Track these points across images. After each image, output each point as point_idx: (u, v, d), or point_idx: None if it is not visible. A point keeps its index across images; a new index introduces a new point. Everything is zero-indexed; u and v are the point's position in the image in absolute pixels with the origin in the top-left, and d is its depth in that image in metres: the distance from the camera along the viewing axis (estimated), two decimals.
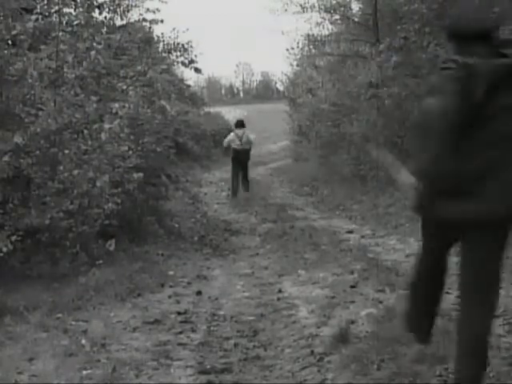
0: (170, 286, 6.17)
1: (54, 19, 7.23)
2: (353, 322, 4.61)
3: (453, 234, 2.99)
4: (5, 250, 5.75)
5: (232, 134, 13.41)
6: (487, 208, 2.79)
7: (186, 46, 11.60)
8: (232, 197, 13.10)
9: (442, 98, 2.73)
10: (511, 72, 2.72)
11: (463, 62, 2.72)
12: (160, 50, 11.83)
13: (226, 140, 13.36)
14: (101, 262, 6.48)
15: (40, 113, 6.66)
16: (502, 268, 2.95)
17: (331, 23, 17.71)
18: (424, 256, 3.34)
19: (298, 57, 20.68)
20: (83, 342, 4.45)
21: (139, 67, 8.58)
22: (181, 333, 4.78)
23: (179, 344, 4.53)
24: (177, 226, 9.03)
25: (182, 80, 21.87)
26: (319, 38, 17.58)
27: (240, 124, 13.28)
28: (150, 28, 10.90)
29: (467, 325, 3.01)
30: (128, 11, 10.91)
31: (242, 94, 65.29)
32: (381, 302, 5.08)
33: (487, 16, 2.98)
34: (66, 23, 7.35)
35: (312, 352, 4.18)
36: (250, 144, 13.25)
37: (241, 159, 13.00)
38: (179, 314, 5.23)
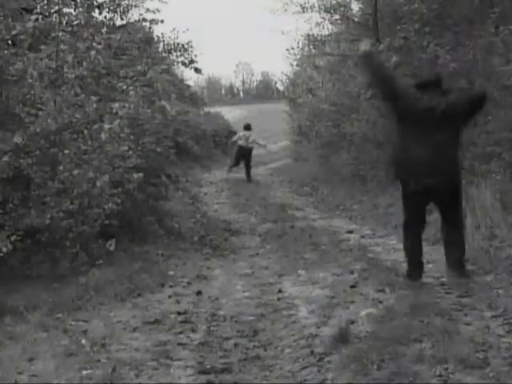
0: (170, 286, 6.17)
1: (54, 19, 7.23)
2: (353, 322, 4.61)
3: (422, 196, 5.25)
4: (5, 250, 5.75)
5: (241, 133, 16.87)
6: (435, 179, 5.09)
7: (185, 46, 11.60)
8: (228, 172, 16.94)
9: None
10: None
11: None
12: (160, 50, 11.82)
13: (235, 137, 17.02)
14: (101, 262, 6.48)
15: (40, 113, 6.66)
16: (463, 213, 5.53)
17: (331, 23, 17.72)
18: (407, 212, 5.50)
19: (298, 57, 20.69)
20: (83, 342, 4.46)
21: (139, 67, 8.58)
22: (181, 333, 4.78)
23: (179, 344, 4.54)
24: (177, 226, 9.02)
25: (182, 80, 21.88)
26: (319, 38, 17.58)
27: (247, 127, 16.87)
28: (150, 28, 10.90)
29: (452, 241, 5.48)
30: (128, 11, 10.90)
31: (242, 94, 65.34)
32: (381, 302, 5.08)
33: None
34: (66, 23, 7.34)
35: (312, 352, 4.18)
36: (254, 144, 16.51)
37: (244, 154, 16.37)
38: (179, 313, 5.23)
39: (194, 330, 4.85)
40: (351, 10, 17.49)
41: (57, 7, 7.14)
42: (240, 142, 16.36)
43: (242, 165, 17.02)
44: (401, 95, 5.17)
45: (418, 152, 5.08)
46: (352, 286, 5.70)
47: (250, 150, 16.48)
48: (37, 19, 6.94)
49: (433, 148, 5.05)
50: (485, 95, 5.62)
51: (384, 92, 5.42)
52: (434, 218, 8.73)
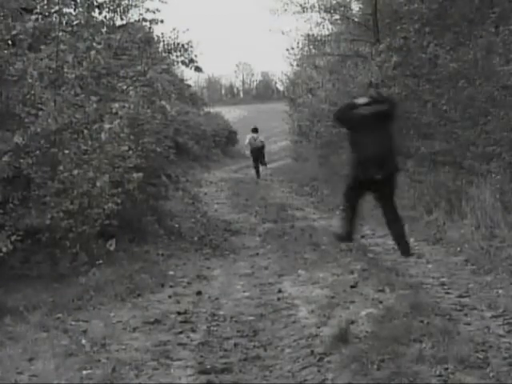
0: (170, 286, 6.17)
1: (54, 19, 7.22)
2: (353, 322, 4.61)
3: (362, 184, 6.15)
4: (5, 250, 5.75)
5: (249, 136, 18.32)
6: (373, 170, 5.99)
7: (185, 45, 11.59)
8: (257, 178, 17.98)
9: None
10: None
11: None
12: (160, 49, 11.82)
13: (247, 140, 18.38)
14: (101, 262, 6.48)
15: (40, 113, 6.66)
16: (395, 198, 6.29)
17: (331, 23, 17.73)
18: (347, 195, 6.37)
19: (298, 57, 20.69)
20: (83, 342, 4.46)
21: (139, 67, 8.57)
22: (181, 333, 4.78)
23: (179, 344, 4.54)
24: (177, 226, 9.03)
25: (182, 80, 21.87)
26: (319, 38, 17.59)
27: (255, 130, 18.47)
28: (150, 28, 10.88)
29: (393, 222, 6.28)
30: (128, 11, 10.89)
31: (241, 94, 65.35)
32: (381, 302, 5.08)
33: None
34: (66, 23, 7.34)
35: (312, 352, 4.18)
36: (263, 143, 18.43)
37: (256, 153, 18.07)
38: (179, 313, 5.23)
39: (193, 330, 4.85)
40: (351, 10, 17.51)
41: (57, 7, 7.13)
42: (250, 144, 18.21)
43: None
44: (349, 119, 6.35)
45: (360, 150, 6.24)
46: (352, 286, 5.70)
47: (260, 148, 18.10)
48: (37, 19, 6.94)
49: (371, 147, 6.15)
50: (395, 104, 6.93)
51: (343, 124, 6.75)
52: (433, 217, 8.77)
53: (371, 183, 6.13)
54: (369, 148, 6.08)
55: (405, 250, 6.33)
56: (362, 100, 6.37)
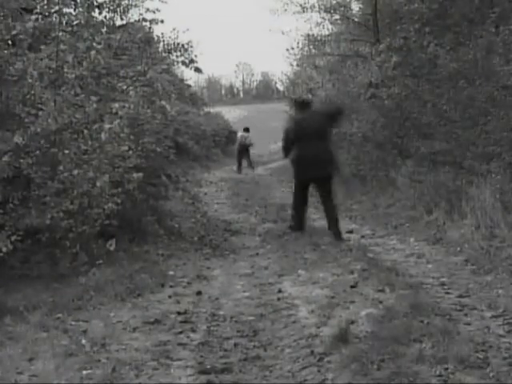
0: (170, 286, 6.17)
1: (54, 19, 7.22)
2: (353, 322, 4.61)
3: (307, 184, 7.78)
4: (5, 250, 5.75)
5: (240, 133, 21.22)
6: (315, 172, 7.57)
7: (186, 45, 11.59)
8: (238, 172, 20.03)
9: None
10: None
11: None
12: (160, 50, 11.82)
13: (238, 135, 21.30)
14: (101, 261, 6.48)
15: (40, 113, 6.66)
16: (335, 195, 7.97)
17: (331, 23, 17.76)
18: (296, 195, 8.12)
19: (298, 57, 20.72)
20: (83, 342, 4.46)
21: (139, 67, 8.57)
22: (181, 333, 4.78)
23: (179, 344, 4.54)
24: (177, 226, 9.02)
25: (182, 80, 21.86)
26: (319, 38, 17.62)
27: (246, 129, 21.10)
28: (150, 28, 10.88)
29: (329, 212, 7.74)
30: (128, 11, 10.89)
31: (241, 94, 65.35)
32: (381, 302, 5.08)
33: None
34: (66, 23, 7.34)
35: (312, 352, 4.18)
36: (250, 143, 20.74)
37: (241, 149, 20.57)
38: (179, 313, 5.23)
39: (193, 330, 4.85)
40: (351, 10, 17.54)
41: (57, 7, 7.13)
42: (239, 141, 20.90)
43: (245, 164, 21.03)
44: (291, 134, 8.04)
45: (304, 155, 7.83)
46: (352, 286, 5.70)
47: (247, 146, 20.77)
48: (37, 19, 6.93)
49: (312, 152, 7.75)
50: (341, 109, 8.69)
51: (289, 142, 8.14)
52: (433, 217, 8.77)
53: (313, 181, 7.99)
54: (310, 154, 7.71)
55: (336, 235, 7.91)
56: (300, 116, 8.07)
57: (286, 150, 8.21)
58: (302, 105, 8.37)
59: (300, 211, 8.20)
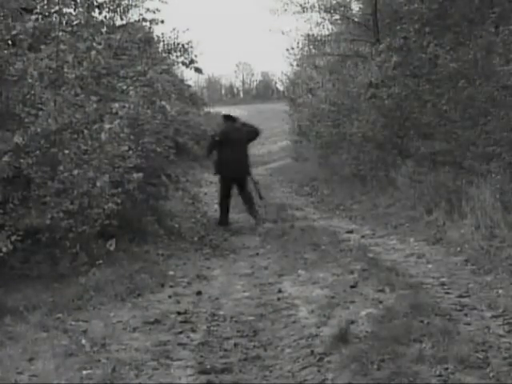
0: (170, 286, 6.17)
1: (54, 19, 7.21)
2: (353, 322, 4.61)
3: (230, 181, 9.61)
4: (5, 250, 5.75)
5: None
6: (237, 172, 9.56)
7: (186, 45, 11.60)
8: None
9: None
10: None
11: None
12: (160, 50, 11.82)
13: None
14: (101, 261, 6.48)
15: (40, 113, 6.66)
16: (248, 188, 9.88)
17: (331, 23, 17.74)
18: (222, 190, 9.78)
19: (298, 57, 20.69)
20: (83, 342, 4.46)
21: (139, 67, 8.57)
22: (181, 333, 4.78)
23: (179, 344, 4.54)
24: (177, 226, 9.02)
25: (182, 80, 21.87)
26: (319, 38, 17.59)
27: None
28: (150, 28, 10.88)
29: (246, 200, 9.78)
30: (128, 11, 10.89)
31: (241, 94, 65.31)
32: (381, 302, 5.08)
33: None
34: (66, 23, 7.33)
35: (312, 352, 4.19)
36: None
37: None
38: (179, 313, 5.23)
39: (193, 330, 4.85)
40: (351, 10, 17.50)
41: (57, 7, 7.12)
42: None
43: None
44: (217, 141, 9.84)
45: (229, 159, 9.53)
46: (352, 286, 5.70)
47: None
48: (37, 19, 6.93)
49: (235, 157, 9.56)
50: (257, 131, 10.22)
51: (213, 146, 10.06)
52: (433, 217, 8.77)
53: (233, 180, 9.72)
54: (231, 158, 9.51)
55: (255, 216, 9.87)
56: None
57: (209, 151, 10.38)
58: (229, 118, 10.16)
59: (224, 206, 9.80)
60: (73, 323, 4.93)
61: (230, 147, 9.51)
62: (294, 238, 8.45)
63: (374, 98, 12.19)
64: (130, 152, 7.47)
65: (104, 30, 8.62)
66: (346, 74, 14.91)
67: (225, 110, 32.22)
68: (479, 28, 11.11)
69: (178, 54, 11.39)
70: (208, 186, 15.58)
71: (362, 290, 5.56)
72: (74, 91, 6.96)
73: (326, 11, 16.83)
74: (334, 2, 16.66)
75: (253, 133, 10.13)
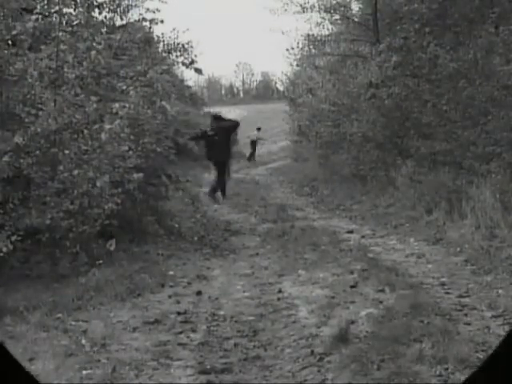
0: (170, 286, 6.17)
1: (54, 19, 7.21)
2: (353, 322, 4.61)
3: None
4: (5, 249, 5.74)
5: (252, 133, 25.90)
6: (219, 157, 12.67)
7: (186, 46, 11.60)
8: (248, 160, 25.11)
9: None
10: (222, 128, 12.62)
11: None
12: (160, 50, 11.81)
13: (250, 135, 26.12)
14: (101, 262, 6.48)
15: (40, 113, 6.66)
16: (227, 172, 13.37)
17: (331, 23, 17.73)
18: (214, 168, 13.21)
19: (298, 57, 20.68)
20: (83, 342, 4.46)
21: (139, 67, 8.56)
22: (181, 333, 4.78)
23: (179, 344, 4.54)
24: (177, 226, 9.02)
25: (182, 80, 21.87)
26: (319, 38, 17.59)
27: (258, 129, 26.45)
28: (150, 28, 10.88)
29: (220, 181, 12.79)
30: (128, 11, 10.89)
31: (241, 94, 65.27)
32: (381, 302, 5.08)
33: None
34: (66, 23, 7.33)
35: (312, 352, 4.18)
36: (257, 138, 26.16)
37: (252, 143, 25.87)
38: (179, 314, 5.23)
39: (193, 330, 4.85)
40: (351, 10, 17.50)
41: (57, 7, 7.13)
42: (251, 137, 25.58)
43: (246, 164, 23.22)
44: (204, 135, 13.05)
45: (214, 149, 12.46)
46: (352, 286, 5.70)
47: (255, 141, 25.54)
48: (37, 19, 6.93)
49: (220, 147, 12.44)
50: (237, 124, 13.72)
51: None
52: (433, 217, 8.77)
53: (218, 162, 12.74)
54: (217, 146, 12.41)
55: (223, 194, 12.71)
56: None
57: (196, 140, 15.00)
58: (216, 117, 13.39)
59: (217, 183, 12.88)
60: (73, 323, 4.93)
61: (216, 138, 12.41)
62: (294, 238, 8.46)
63: (373, 98, 12.20)
64: (130, 152, 7.47)
65: (104, 30, 8.62)
66: (345, 74, 14.92)
67: (224, 110, 31.85)
68: (479, 28, 11.11)
69: (178, 53, 11.38)
70: (208, 185, 15.58)
71: (362, 290, 5.56)
72: (74, 91, 6.97)
73: (326, 11, 16.82)
74: (334, 2, 16.65)
75: (233, 126, 13.53)
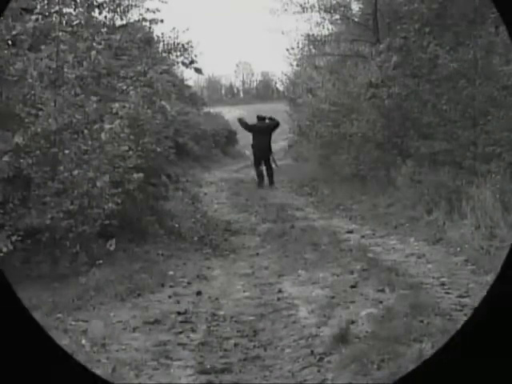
0: (170, 286, 6.17)
1: (54, 19, 7.22)
2: (353, 322, 4.61)
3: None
4: (5, 249, 5.75)
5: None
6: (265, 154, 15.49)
7: (185, 45, 11.62)
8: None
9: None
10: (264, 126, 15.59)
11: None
12: (160, 50, 11.83)
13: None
14: (101, 262, 6.48)
15: (40, 113, 6.66)
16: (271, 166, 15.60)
17: (331, 23, 17.72)
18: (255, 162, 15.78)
19: (298, 57, 20.68)
20: (83, 342, 4.46)
21: (139, 67, 8.57)
22: (181, 333, 4.78)
23: (179, 344, 4.54)
24: (177, 226, 9.02)
25: (182, 80, 21.87)
26: (319, 38, 17.58)
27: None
28: (149, 28, 10.89)
29: (268, 171, 15.54)
30: (128, 11, 10.91)
31: (241, 94, 65.19)
32: (381, 302, 5.08)
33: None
34: (66, 23, 7.33)
35: (312, 352, 4.18)
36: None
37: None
38: (179, 314, 5.23)
39: (193, 330, 4.85)
40: (351, 10, 17.49)
41: (57, 7, 7.13)
42: None
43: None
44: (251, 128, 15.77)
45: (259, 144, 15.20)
46: (352, 286, 5.70)
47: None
48: (37, 19, 6.93)
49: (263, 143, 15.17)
50: (278, 123, 16.03)
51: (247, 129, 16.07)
52: (433, 217, 8.77)
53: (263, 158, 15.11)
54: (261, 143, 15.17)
55: (271, 184, 15.07)
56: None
57: (246, 128, 16.14)
58: (260, 118, 15.87)
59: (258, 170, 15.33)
60: (73, 323, 4.93)
61: (259, 135, 15.41)
62: (294, 238, 8.46)
63: (373, 98, 12.19)
64: (130, 152, 7.47)
65: (104, 30, 8.62)
66: (345, 74, 14.91)
67: (224, 110, 31.65)
68: (479, 28, 11.10)
69: (178, 53, 11.41)
70: (208, 186, 15.60)
71: (362, 290, 5.56)
72: (74, 91, 6.97)
73: (326, 11, 16.81)
74: (334, 2, 16.64)
75: (275, 125, 15.85)
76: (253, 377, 3.96)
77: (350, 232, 8.86)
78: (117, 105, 7.45)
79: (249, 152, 26.08)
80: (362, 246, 7.59)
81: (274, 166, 15.56)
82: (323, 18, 17.15)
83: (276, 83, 53.85)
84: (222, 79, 65.05)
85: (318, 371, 3.89)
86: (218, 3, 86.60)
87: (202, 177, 17.41)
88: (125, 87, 8.27)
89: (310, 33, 17.61)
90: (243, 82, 66.82)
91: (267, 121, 15.76)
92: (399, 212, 9.79)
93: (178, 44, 11.69)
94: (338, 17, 17.25)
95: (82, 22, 7.39)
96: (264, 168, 15.29)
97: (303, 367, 3.99)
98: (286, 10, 16.82)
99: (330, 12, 16.89)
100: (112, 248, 6.86)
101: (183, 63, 9.29)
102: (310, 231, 8.96)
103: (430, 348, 3.95)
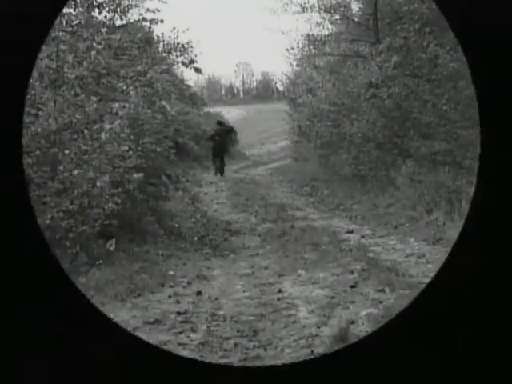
0: (170, 286, 6.17)
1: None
2: (353, 322, 4.61)
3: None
4: None
5: None
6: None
7: (185, 45, 11.62)
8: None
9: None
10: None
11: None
12: (160, 50, 11.83)
13: None
14: (101, 262, 6.48)
15: (40, 113, 6.66)
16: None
17: (331, 23, 17.72)
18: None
19: (298, 57, 20.69)
20: None
21: (139, 67, 8.58)
22: (181, 333, 4.78)
23: (179, 344, 4.53)
24: (177, 225, 9.02)
25: (182, 80, 21.88)
26: (319, 38, 17.58)
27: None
28: (149, 28, 10.89)
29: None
30: (128, 11, 10.90)
31: (241, 94, 65.26)
32: (381, 302, 5.08)
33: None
34: (66, 23, 7.34)
35: (312, 352, 4.18)
36: None
37: None
38: (179, 313, 5.23)
39: (194, 330, 4.85)
40: (351, 10, 17.49)
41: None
42: None
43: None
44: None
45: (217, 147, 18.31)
46: (352, 286, 5.70)
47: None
48: None
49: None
50: (233, 129, 21.48)
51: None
52: (433, 217, 8.77)
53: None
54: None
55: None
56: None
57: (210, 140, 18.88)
58: (220, 123, 19.09)
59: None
60: None
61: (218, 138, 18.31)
62: (294, 238, 8.46)
63: (373, 98, 12.20)
64: (130, 152, 7.48)
65: (104, 29, 8.62)
66: (345, 74, 14.92)
67: (224, 111, 31.82)
68: None
69: (178, 53, 11.41)
70: (208, 186, 15.60)
71: (362, 290, 5.56)
72: (74, 91, 6.97)
73: (326, 11, 16.81)
74: (334, 2, 16.64)
75: (230, 129, 19.90)
76: None
77: (350, 232, 8.86)
78: (117, 105, 7.46)
79: (248, 152, 25.82)
80: (362, 246, 7.59)
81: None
82: (323, 18, 17.15)
83: (276, 83, 53.91)
84: (222, 79, 65.13)
85: None
86: (217, 3, 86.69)
87: (201, 177, 17.42)
88: (125, 87, 8.28)
89: (310, 33, 17.61)
90: (243, 82, 66.90)
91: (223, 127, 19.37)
92: (399, 212, 9.80)
93: (178, 44, 11.69)
94: (337, 17, 17.25)
95: (82, 21, 7.40)
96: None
97: None
98: (286, 9, 16.83)
99: (330, 12, 16.89)
100: (112, 248, 6.86)
101: (183, 63, 9.30)
102: (309, 231, 8.96)
103: None
